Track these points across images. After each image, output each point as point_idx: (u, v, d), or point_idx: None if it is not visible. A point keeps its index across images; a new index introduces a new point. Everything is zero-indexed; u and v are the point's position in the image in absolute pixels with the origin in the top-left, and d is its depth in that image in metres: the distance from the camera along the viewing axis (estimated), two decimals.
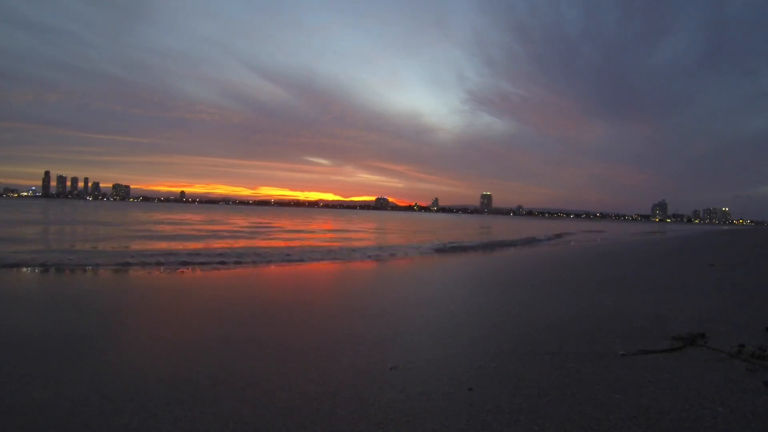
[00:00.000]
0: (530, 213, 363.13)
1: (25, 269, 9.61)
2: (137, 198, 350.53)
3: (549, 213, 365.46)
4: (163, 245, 16.30)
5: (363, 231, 33.58)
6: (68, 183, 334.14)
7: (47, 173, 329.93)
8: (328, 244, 19.69)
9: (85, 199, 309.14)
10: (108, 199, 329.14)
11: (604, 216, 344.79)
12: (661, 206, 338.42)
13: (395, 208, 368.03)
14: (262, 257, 12.75)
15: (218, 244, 17.41)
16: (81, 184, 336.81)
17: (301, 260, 12.69)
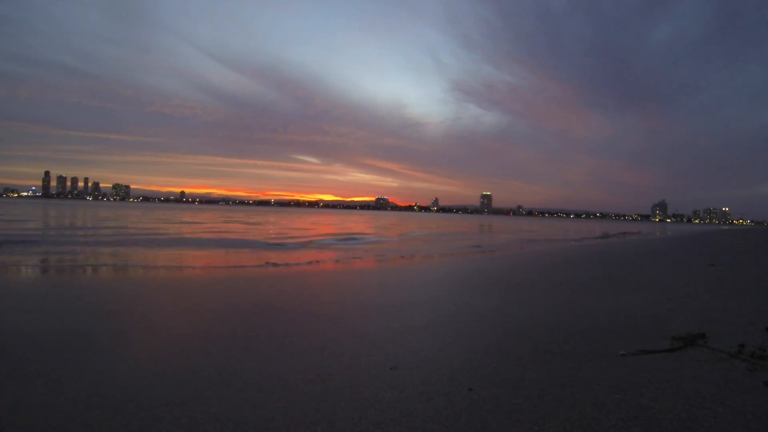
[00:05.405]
0: (530, 213, 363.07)
1: (24, 268, 9.61)
2: (137, 198, 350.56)
3: (549, 213, 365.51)
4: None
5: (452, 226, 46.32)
6: (68, 183, 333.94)
7: (47, 173, 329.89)
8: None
9: (85, 198, 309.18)
10: (108, 199, 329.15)
11: (604, 216, 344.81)
12: (661, 206, 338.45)
13: (395, 208, 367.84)
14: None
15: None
16: (81, 184, 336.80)
17: None
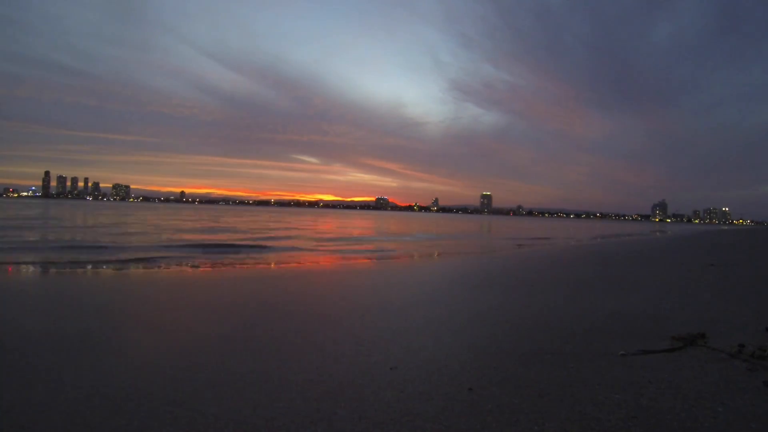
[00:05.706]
0: (530, 213, 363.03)
1: (25, 268, 9.62)
2: (137, 198, 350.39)
3: (549, 213, 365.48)
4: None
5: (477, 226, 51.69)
6: (68, 183, 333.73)
7: (47, 173, 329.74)
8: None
9: (85, 198, 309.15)
10: (108, 199, 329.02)
11: (604, 216, 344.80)
12: (661, 206, 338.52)
13: (395, 208, 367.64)
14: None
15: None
16: (81, 184, 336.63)
17: None
